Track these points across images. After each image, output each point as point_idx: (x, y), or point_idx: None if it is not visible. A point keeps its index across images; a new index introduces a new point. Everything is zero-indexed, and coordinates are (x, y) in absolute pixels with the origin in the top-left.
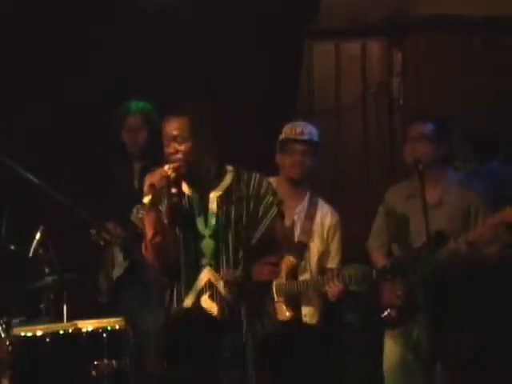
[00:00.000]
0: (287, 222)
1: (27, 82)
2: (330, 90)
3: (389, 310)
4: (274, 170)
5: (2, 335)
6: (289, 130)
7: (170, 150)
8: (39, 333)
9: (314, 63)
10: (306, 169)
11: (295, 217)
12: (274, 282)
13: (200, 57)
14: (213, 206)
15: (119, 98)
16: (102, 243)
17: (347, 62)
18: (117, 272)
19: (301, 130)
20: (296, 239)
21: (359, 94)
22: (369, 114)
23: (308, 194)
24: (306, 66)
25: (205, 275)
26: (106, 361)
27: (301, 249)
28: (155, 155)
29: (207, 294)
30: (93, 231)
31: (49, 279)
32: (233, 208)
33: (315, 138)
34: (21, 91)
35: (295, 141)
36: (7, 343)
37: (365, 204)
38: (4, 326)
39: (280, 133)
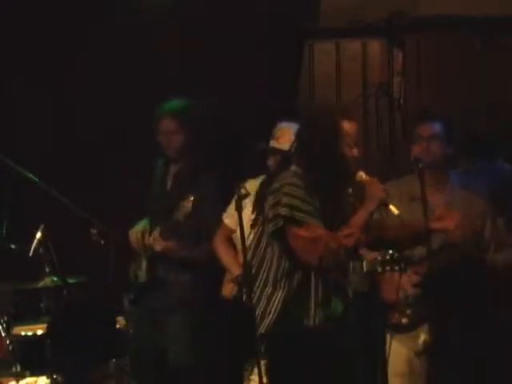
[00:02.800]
0: None
1: (28, 81)
2: (330, 90)
3: (396, 316)
4: None
5: (3, 334)
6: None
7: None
8: (39, 332)
9: (315, 63)
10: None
11: None
12: None
13: (198, 56)
14: None
15: (120, 97)
16: (103, 242)
17: (348, 62)
18: (141, 278)
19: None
20: None
21: (359, 94)
22: (369, 114)
23: None
24: (307, 65)
25: None
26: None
27: None
28: (194, 157)
29: None
30: (93, 231)
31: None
32: None
33: (286, 146)
34: (21, 90)
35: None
36: (7, 342)
37: None
38: (4, 325)
39: None
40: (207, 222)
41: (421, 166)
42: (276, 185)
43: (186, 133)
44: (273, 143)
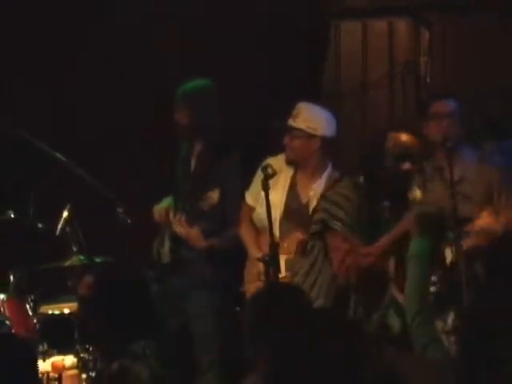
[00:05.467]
0: (303, 200)
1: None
2: (357, 69)
3: None
4: None
5: (30, 313)
6: None
7: None
8: (66, 311)
9: (341, 42)
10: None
11: (311, 193)
12: (284, 257)
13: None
14: None
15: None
16: (129, 221)
17: (374, 41)
18: (164, 257)
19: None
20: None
21: (386, 73)
22: (395, 93)
23: (326, 173)
24: (333, 44)
25: None
26: None
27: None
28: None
29: None
30: (119, 209)
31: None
32: None
33: (301, 124)
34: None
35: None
36: (35, 321)
37: None
38: (31, 304)
39: None
40: (232, 207)
41: (449, 145)
42: (330, 193)
43: (188, 111)
44: (290, 122)
